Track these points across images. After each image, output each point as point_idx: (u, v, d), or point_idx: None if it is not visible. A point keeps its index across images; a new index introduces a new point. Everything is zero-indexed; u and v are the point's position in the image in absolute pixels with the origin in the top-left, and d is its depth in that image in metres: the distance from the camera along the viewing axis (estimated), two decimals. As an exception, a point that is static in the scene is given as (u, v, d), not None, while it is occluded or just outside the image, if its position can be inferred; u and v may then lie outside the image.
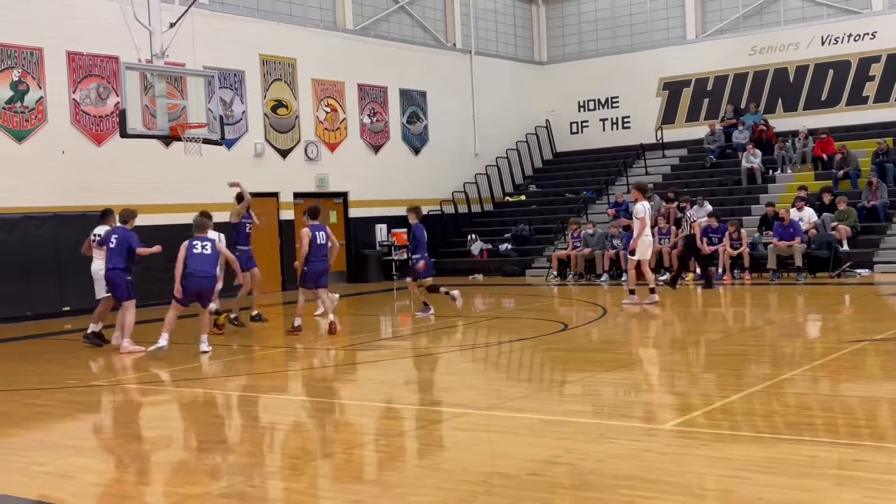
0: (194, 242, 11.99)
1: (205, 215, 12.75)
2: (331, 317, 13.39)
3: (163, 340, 11.69)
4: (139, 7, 15.40)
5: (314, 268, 13.56)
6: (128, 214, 12.91)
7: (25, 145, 17.39)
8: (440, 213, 25.61)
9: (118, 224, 12.97)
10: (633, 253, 15.51)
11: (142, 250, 12.51)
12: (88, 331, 13.17)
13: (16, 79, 17.28)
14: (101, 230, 13.24)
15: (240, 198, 14.66)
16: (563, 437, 6.82)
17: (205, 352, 11.79)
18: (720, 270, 19.36)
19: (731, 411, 7.52)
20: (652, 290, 15.48)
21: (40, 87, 17.62)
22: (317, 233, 13.61)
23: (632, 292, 15.71)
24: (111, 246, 12.48)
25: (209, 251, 11.93)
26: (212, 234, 12.56)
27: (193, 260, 11.84)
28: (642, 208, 15.43)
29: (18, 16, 17.24)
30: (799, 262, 18.58)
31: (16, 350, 13.73)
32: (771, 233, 19.20)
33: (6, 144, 17.11)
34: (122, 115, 14.70)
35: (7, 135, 17.16)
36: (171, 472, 6.68)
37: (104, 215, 13.56)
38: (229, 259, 12.52)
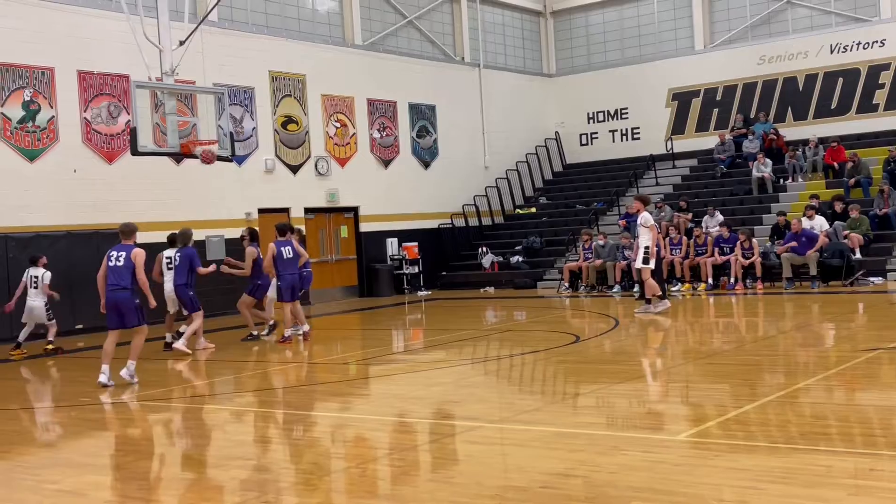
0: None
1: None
2: (288, 332, 14.51)
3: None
4: (149, 26, 15.49)
5: (286, 282, 14.40)
6: (185, 237, 14.09)
7: (37, 164, 17.49)
8: (451, 226, 25.62)
9: (180, 246, 14.14)
10: (645, 261, 15.51)
11: (201, 270, 13.91)
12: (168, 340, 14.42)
13: (27, 99, 17.40)
14: (169, 252, 14.50)
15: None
16: (577, 449, 6.80)
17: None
18: (732, 280, 19.30)
19: (745, 421, 7.48)
20: (661, 297, 15.67)
21: (52, 107, 17.73)
22: (282, 248, 14.47)
23: (648, 301, 15.76)
24: (176, 264, 13.88)
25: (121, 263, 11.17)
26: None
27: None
28: (648, 217, 15.58)
29: (30, 36, 17.37)
30: (813, 270, 18.51)
31: (29, 368, 13.78)
32: (782, 242, 19.12)
33: (18, 164, 17.21)
34: (133, 133, 14.78)
35: (19, 154, 17.27)
36: (185, 488, 6.68)
37: (174, 240, 14.64)
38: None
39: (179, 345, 13.66)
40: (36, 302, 14.75)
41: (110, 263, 11.12)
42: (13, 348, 14.75)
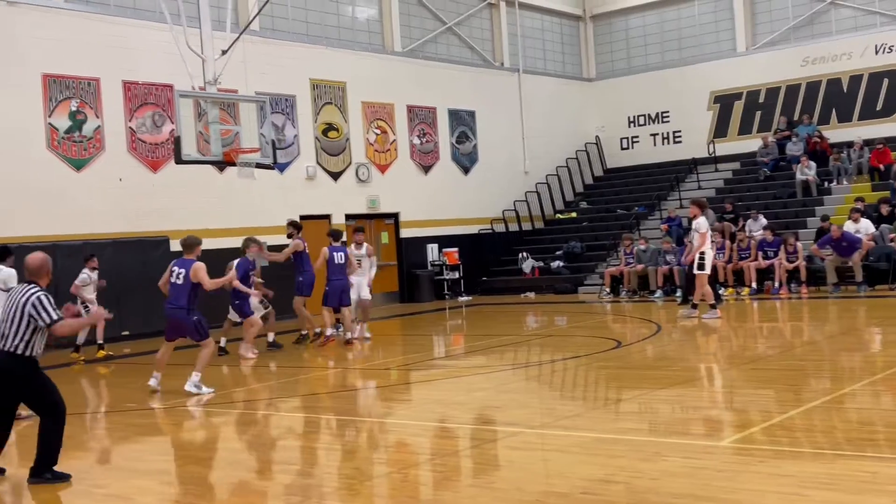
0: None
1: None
2: (348, 334, 14.62)
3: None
4: (192, 36, 15.70)
5: (334, 287, 14.51)
6: (244, 244, 14.33)
7: (84, 173, 17.79)
8: (491, 231, 25.62)
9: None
10: (701, 267, 15.35)
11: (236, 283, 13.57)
12: (270, 339, 14.96)
13: (74, 109, 17.71)
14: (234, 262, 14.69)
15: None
16: (617, 455, 6.77)
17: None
18: (777, 284, 19.10)
19: (789, 427, 7.41)
20: (713, 306, 15.43)
21: (97, 117, 18.03)
22: (335, 253, 14.60)
23: (694, 306, 15.56)
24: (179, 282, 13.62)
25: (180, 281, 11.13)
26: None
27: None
28: (704, 223, 15.46)
29: (76, 47, 17.68)
30: (859, 275, 18.25)
31: (77, 374, 14.01)
32: (828, 248, 18.85)
33: (66, 173, 17.53)
34: (177, 141, 14.96)
35: (66, 164, 17.58)
36: (229, 492, 6.76)
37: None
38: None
39: (244, 350, 13.91)
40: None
41: (171, 278, 11.12)
42: (73, 351, 15.04)
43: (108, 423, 9.75)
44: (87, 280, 14.87)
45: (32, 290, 7.02)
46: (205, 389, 10.82)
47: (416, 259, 23.96)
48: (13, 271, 10.67)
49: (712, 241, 19.60)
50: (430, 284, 23.83)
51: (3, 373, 6.94)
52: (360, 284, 15.25)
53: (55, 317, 6.92)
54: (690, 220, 16.29)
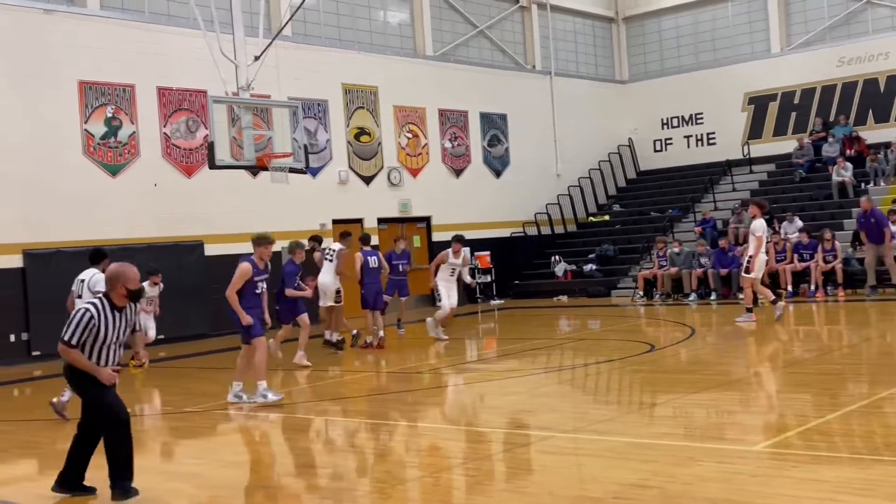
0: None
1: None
2: (381, 333, 14.82)
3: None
4: (225, 42, 15.83)
5: (370, 290, 14.73)
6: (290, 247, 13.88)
7: (119, 179, 17.98)
8: (523, 234, 25.56)
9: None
10: (748, 271, 15.01)
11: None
12: (326, 337, 15.07)
13: (109, 115, 17.92)
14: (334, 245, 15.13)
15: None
16: (651, 459, 6.72)
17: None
18: (812, 287, 18.88)
19: (825, 432, 7.32)
20: (749, 310, 15.13)
21: (132, 123, 18.22)
22: (369, 257, 14.82)
23: (749, 310, 15.19)
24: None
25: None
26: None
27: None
28: (761, 225, 14.96)
29: (111, 55, 17.88)
30: (895, 277, 18.00)
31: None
32: (863, 247, 18.61)
33: (101, 179, 17.72)
34: (211, 147, 15.09)
35: (102, 169, 17.78)
36: (262, 496, 6.80)
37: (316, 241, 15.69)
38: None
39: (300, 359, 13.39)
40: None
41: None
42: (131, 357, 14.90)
43: (144, 426, 9.83)
44: (146, 293, 14.20)
45: (85, 302, 6.85)
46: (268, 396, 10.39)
47: (448, 262, 23.90)
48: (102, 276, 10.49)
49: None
50: (462, 288, 23.76)
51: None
52: (451, 291, 15.67)
53: (66, 337, 6.47)
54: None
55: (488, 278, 24.19)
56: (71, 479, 6.82)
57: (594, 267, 24.03)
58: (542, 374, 11.93)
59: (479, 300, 23.76)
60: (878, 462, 6.29)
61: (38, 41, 17.07)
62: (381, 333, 14.88)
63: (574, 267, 24.42)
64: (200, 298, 18.02)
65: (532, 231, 25.78)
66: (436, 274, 15.72)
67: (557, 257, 24.72)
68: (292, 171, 15.88)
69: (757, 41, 27.32)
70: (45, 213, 16.85)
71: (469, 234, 24.19)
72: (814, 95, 26.11)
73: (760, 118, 27.04)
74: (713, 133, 27.82)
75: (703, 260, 20.35)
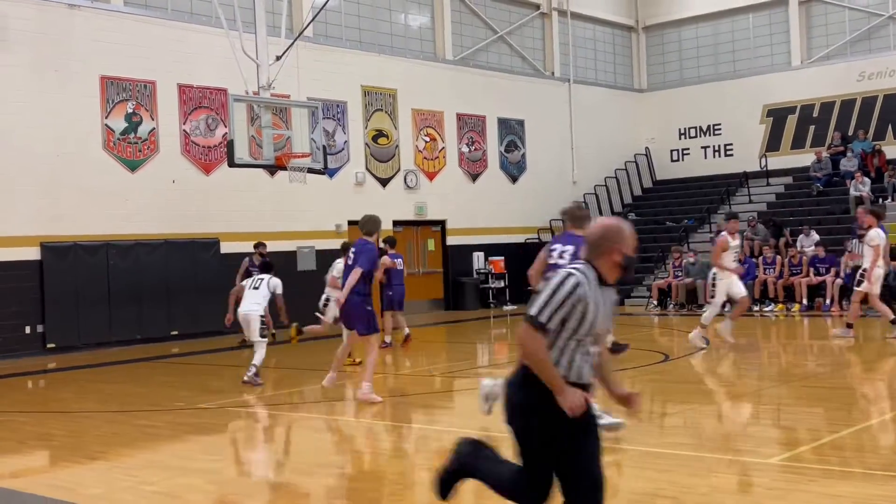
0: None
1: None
2: (406, 330, 14.81)
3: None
4: (247, 41, 15.89)
5: (398, 292, 14.92)
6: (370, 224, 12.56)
7: (138, 174, 18.06)
8: (537, 241, 25.51)
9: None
10: (859, 284, 13.96)
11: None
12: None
13: (130, 111, 18.00)
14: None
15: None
16: (666, 469, 6.71)
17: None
18: (828, 301, 18.79)
19: (840, 447, 7.28)
20: (894, 322, 13.98)
21: (153, 119, 18.30)
22: (396, 259, 14.97)
23: (849, 325, 14.25)
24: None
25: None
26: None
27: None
28: (877, 235, 13.72)
29: (133, 50, 17.97)
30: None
31: (126, 372, 14.21)
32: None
33: (120, 174, 17.80)
34: (230, 145, 15.15)
35: (121, 164, 17.86)
36: (274, 494, 6.81)
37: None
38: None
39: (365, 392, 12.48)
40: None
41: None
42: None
43: (156, 421, 9.86)
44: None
45: (568, 266, 4.58)
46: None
47: (461, 267, 23.96)
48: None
49: (762, 256, 19.41)
50: (475, 293, 23.81)
51: None
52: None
53: (534, 312, 4.36)
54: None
55: (502, 283, 24.18)
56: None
57: (608, 275, 23.93)
58: (556, 381, 11.88)
59: (491, 305, 23.75)
60: (893, 478, 6.25)
61: (61, 36, 17.16)
62: (407, 331, 14.92)
63: (588, 275, 24.32)
64: (216, 296, 18.03)
65: (547, 237, 25.73)
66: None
67: (571, 264, 24.62)
68: (311, 171, 15.93)
69: (777, 53, 27.25)
70: (64, 207, 16.94)
71: (484, 240, 24.29)
72: (833, 109, 26.01)
73: (778, 131, 26.95)
74: (731, 144, 27.74)
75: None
